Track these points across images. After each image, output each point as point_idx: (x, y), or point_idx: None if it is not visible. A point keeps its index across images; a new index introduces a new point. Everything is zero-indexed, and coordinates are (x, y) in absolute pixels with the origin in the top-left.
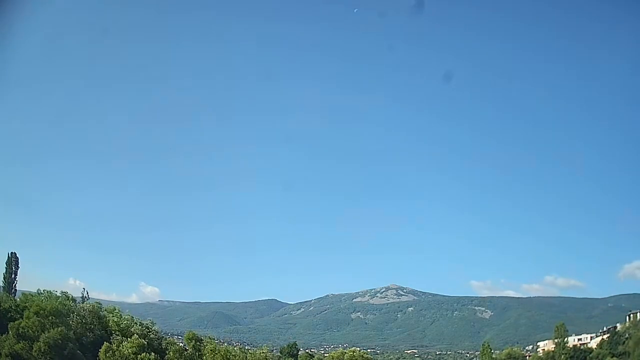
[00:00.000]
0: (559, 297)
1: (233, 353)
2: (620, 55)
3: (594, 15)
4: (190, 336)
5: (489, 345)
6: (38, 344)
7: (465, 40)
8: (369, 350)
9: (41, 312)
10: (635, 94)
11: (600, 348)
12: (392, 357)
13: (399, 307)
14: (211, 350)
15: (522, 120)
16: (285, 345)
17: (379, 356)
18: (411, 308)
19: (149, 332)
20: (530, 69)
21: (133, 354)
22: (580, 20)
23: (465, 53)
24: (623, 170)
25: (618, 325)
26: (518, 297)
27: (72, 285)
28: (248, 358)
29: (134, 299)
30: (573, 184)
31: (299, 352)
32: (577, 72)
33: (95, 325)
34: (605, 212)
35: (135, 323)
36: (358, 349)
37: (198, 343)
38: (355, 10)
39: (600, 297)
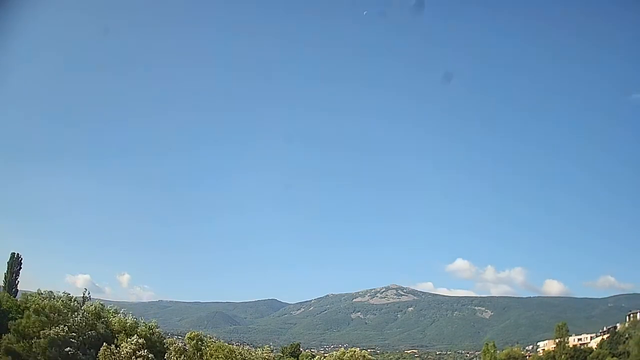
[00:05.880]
0: (559, 297)
1: (237, 352)
2: (622, 51)
3: (597, 12)
4: (192, 336)
5: (494, 344)
6: (38, 342)
7: (466, 37)
8: (369, 350)
9: (41, 310)
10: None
11: (600, 348)
12: (392, 357)
13: (399, 307)
14: (216, 348)
15: (531, 119)
16: (288, 345)
17: (379, 356)
18: (411, 308)
19: (152, 332)
20: (533, 66)
21: (133, 354)
22: (583, 17)
23: (466, 51)
24: (626, 168)
25: (618, 325)
26: (518, 297)
27: (73, 285)
28: (251, 357)
29: (133, 298)
30: (575, 182)
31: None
32: (579, 67)
33: (96, 325)
34: (606, 212)
35: (139, 323)
36: (358, 348)
37: (199, 342)
38: (364, 13)
39: (600, 297)
